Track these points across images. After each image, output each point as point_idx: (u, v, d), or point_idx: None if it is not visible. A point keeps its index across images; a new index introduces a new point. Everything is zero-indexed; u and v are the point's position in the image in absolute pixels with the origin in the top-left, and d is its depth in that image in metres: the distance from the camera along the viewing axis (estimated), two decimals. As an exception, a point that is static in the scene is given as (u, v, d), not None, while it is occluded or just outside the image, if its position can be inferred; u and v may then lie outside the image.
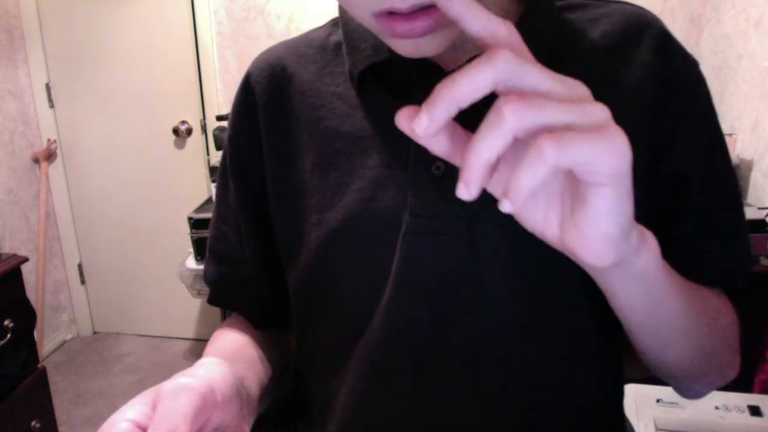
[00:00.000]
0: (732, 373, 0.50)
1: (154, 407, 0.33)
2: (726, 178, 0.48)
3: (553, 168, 0.26)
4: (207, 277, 0.59)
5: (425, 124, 0.27)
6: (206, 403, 0.33)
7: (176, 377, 0.34)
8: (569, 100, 0.27)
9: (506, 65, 0.26)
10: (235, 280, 0.57)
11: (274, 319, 0.59)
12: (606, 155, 0.27)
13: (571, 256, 0.32)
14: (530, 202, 0.31)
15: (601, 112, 0.28)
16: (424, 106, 0.27)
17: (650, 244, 0.35)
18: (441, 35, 0.36)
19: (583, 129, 0.27)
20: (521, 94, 0.27)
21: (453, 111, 0.27)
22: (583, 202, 0.29)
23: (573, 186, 0.30)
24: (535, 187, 0.26)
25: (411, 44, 0.36)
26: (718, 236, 0.48)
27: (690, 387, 0.51)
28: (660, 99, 0.45)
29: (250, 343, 0.54)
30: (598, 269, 0.35)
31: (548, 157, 0.25)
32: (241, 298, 0.58)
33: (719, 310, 0.48)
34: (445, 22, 0.35)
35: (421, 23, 0.34)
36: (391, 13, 0.34)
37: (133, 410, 0.33)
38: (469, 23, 0.28)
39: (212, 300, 0.60)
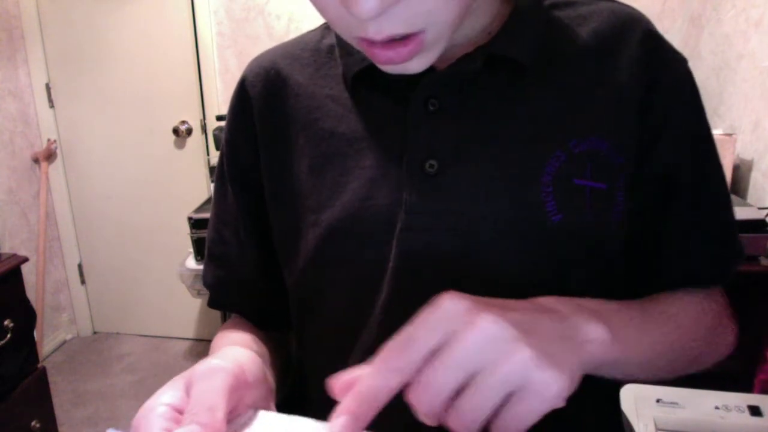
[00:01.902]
0: (730, 342, 0.51)
1: (187, 391, 0.33)
2: (712, 176, 0.48)
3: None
4: (206, 281, 0.59)
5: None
6: (239, 382, 0.34)
7: (206, 360, 0.35)
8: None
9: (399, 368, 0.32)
10: (235, 283, 0.57)
11: (274, 321, 0.58)
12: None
13: None
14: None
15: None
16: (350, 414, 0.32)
17: (595, 339, 0.35)
18: (422, 58, 0.36)
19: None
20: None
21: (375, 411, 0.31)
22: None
23: None
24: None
25: (393, 66, 0.37)
26: (704, 234, 0.48)
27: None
28: (646, 97, 0.45)
29: (256, 340, 0.54)
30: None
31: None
32: (242, 300, 0.58)
33: (701, 313, 0.48)
34: (425, 48, 0.35)
35: (398, 53, 0.34)
36: (371, 41, 0.34)
37: (167, 395, 0.33)
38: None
39: (212, 303, 0.60)
